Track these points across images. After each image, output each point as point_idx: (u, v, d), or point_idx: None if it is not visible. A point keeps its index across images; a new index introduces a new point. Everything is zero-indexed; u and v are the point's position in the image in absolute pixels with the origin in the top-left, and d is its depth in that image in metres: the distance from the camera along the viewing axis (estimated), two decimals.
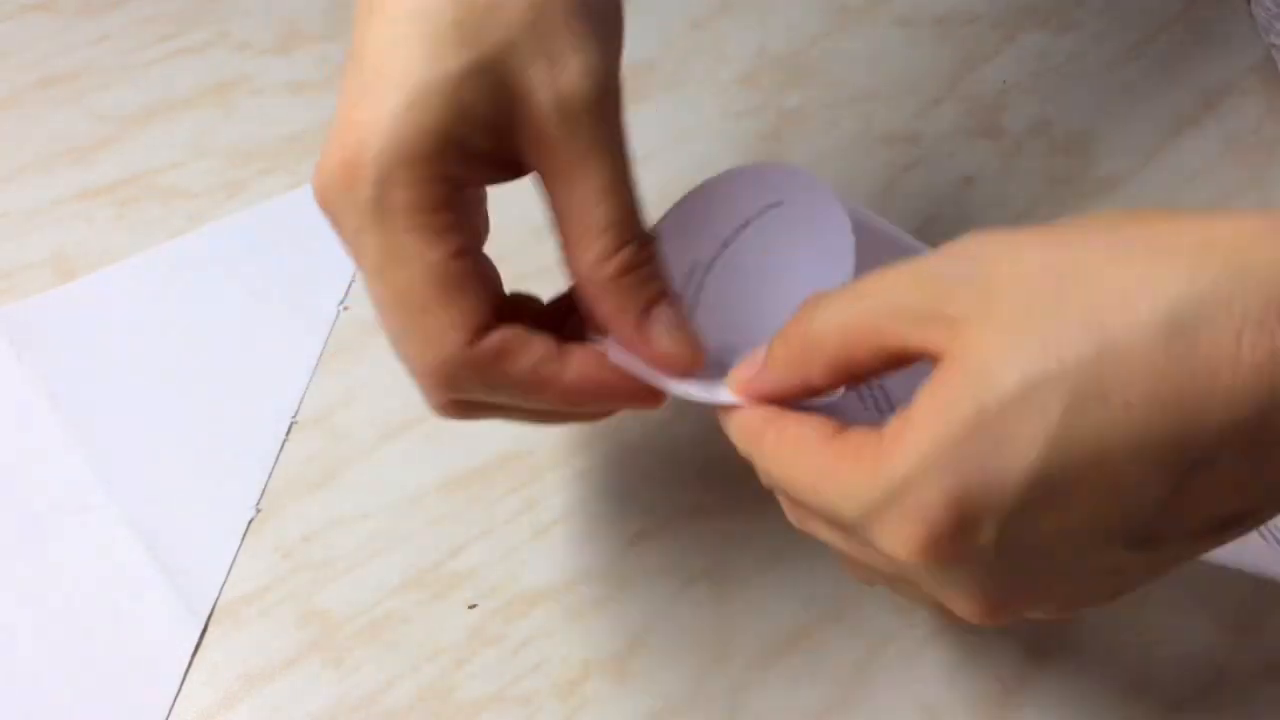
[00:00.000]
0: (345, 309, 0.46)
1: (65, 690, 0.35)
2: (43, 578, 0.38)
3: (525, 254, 0.48)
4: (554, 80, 0.26)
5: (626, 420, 0.42)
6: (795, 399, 0.26)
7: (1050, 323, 0.21)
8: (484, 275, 0.28)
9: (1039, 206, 0.49)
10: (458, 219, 0.27)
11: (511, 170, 0.29)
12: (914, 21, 0.57)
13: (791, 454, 0.25)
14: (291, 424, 0.42)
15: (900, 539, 0.22)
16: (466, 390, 0.28)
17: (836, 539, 0.26)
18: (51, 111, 0.55)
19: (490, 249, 0.49)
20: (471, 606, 0.37)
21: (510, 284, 0.47)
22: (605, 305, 0.28)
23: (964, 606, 0.24)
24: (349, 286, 0.47)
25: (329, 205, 0.27)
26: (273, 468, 0.41)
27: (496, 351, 0.27)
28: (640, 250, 0.28)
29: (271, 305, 0.46)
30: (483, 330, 0.27)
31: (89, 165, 0.52)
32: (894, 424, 0.23)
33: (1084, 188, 0.49)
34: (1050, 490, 0.21)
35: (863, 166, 0.51)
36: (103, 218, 0.50)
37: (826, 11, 0.58)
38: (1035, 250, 0.22)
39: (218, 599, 0.37)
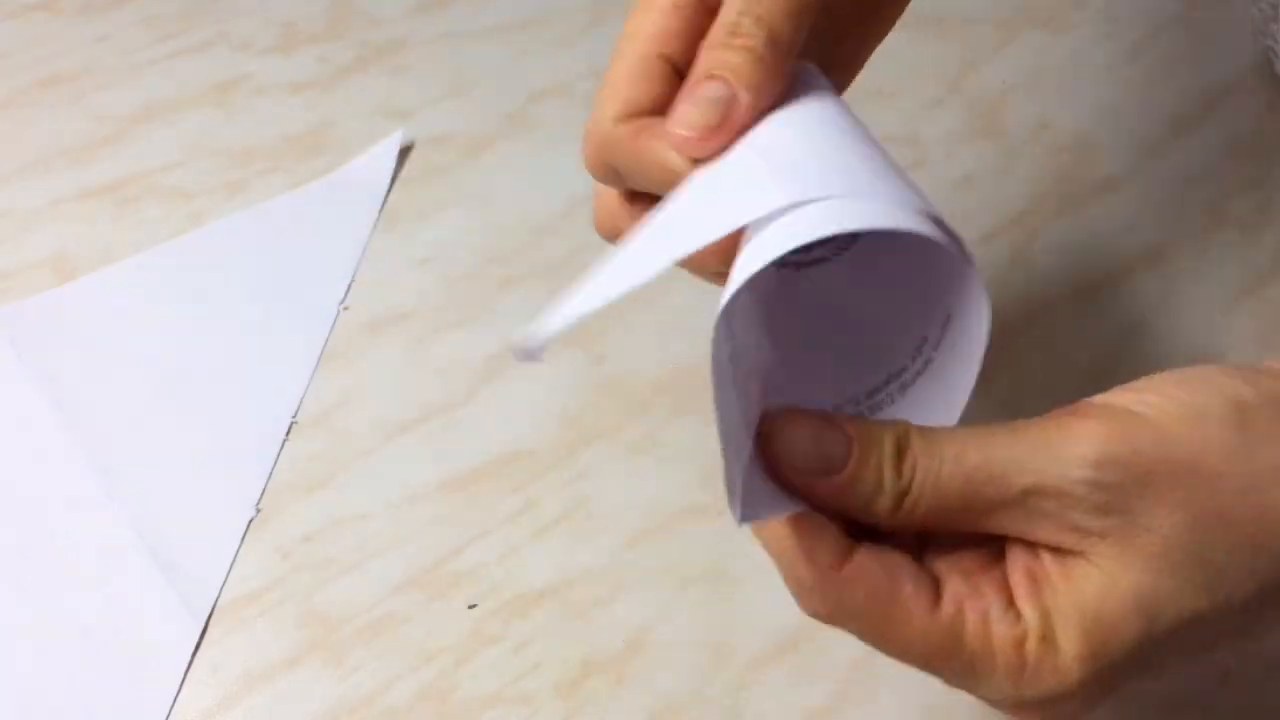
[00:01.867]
0: (345, 309, 0.46)
1: (65, 690, 0.35)
2: (43, 578, 0.38)
3: (526, 254, 0.48)
4: None
5: (626, 420, 0.42)
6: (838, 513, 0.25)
7: (1209, 566, 0.23)
8: (665, 91, 0.27)
9: (1039, 206, 0.49)
10: (689, 30, 0.27)
11: None
12: (914, 21, 0.57)
13: (900, 620, 0.24)
14: (291, 424, 0.42)
15: None
16: (613, 165, 0.27)
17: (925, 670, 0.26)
18: (51, 111, 0.55)
19: (490, 249, 0.49)
20: (471, 606, 0.37)
21: (510, 283, 0.47)
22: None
23: None
24: (349, 286, 0.47)
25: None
26: (273, 468, 0.41)
27: (637, 127, 0.26)
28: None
29: (271, 305, 0.46)
30: (636, 117, 0.27)
31: (89, 165, 0.52)
32: (1035, 629, 0.24)
33: (1084, 188, 0.49)
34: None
35: None
36: (103, 218, 0.50)
37: None
38: (1184, 482, 0.23)
39: (218, 599, 0.37)
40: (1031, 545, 0.25)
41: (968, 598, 0.24)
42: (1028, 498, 0.23)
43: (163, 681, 0.36)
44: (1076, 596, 0.23)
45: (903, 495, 0.24)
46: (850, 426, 0.24)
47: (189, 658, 0.36)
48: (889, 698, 0.35)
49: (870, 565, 0.24)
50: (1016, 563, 0.25)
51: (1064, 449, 0.23)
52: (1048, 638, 0.23)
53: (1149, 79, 0.54)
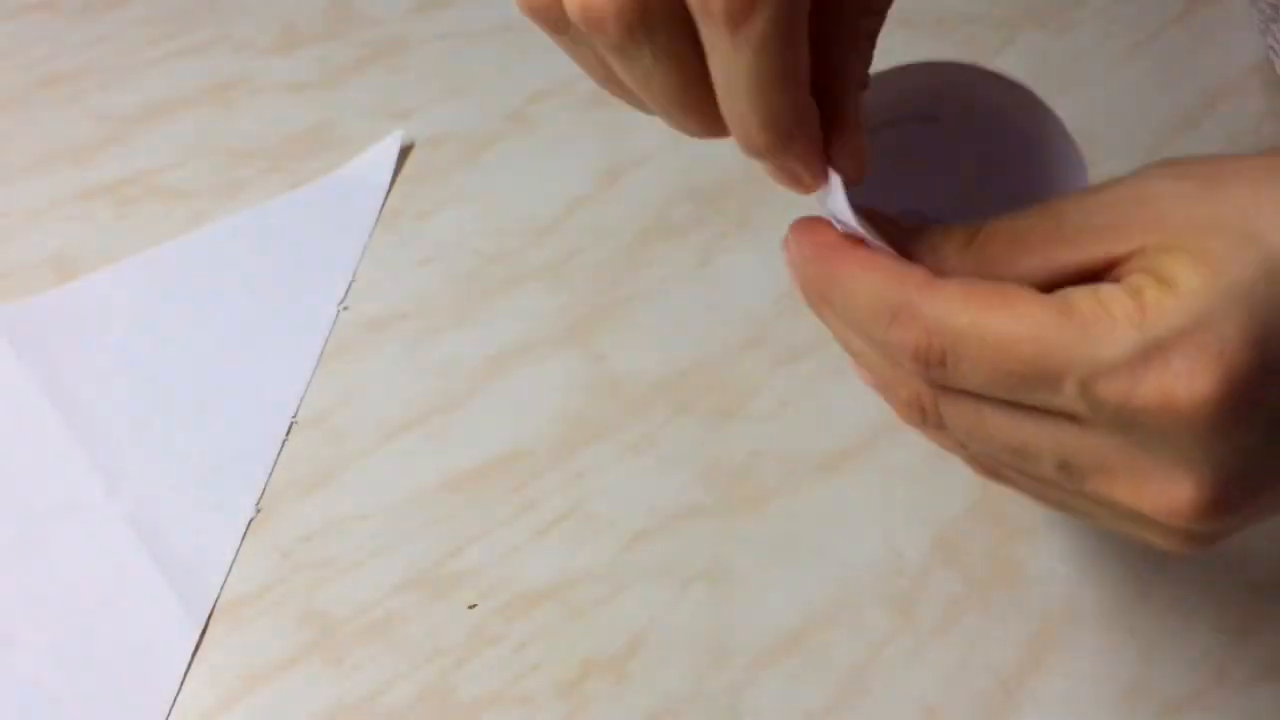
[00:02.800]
0: (345, 309, 0.46)
1: (65, 690, 0.35)
2: (43, 577, 0.38)
3: (525, 254, 0.48)
4: None
5: (627, 420, 0.42)
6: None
7: None
8: None
9: None
10: None
11: None
12: (914, 21, 0.57)
13: (1003, 305, 0.22)
14: (291, 424, 0.42)
15: (1185, 381, 0.20)
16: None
17: (1013, 421, 0.23)
18: (51, 111, 0.55)
19: (490, 249, 0.49)
20: (471, 606, 0.37)
21: (509, 283, 0.47)
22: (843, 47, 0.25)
23: (1184, 494, 0.21)
24: (349, 286, 0.47)
25: None
26: (273, 468, 0.41)
27: None
28: None
29: (271, 305, 0.46)
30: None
31: (89, 165, 0.52)
32: (1147, 276, 0.21)
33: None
34: None
35: None
36: (103, 218, 0.50)
37: None
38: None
39: (218, 599, 0.37)
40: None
41: (1072, 289, 0.22)
42: (1103, 210, 0.23)
43: (163, 681, 0.36)
44: (1178, 240, 0.21)
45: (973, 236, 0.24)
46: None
47: (189, 658, 0.36)
48: (888, 698, 0.35)
49: (960, 278, 0.23)
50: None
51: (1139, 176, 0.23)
52: (1163, 278, 0.21)
53: (1149, 79, 0.54)
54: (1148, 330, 0.20)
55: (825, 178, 0.24)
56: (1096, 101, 0.53)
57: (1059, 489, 0.24)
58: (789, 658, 0.36)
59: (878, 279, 0.23)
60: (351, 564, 0.38)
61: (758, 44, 0.21)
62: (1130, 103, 0.53)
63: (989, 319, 0.21)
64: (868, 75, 0.25)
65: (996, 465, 0.26)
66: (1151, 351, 0.20)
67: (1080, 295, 0.21)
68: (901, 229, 0.25)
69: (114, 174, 0.52)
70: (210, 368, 0.44)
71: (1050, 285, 0.22)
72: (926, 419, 0.25)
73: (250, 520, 0.39)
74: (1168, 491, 0.21)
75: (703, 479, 0.40)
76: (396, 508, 0.40)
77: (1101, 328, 0.20)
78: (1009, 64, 0.55)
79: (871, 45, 0.26)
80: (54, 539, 0.39)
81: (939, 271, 0.23)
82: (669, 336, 0.44)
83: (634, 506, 0.39)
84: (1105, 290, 0.21)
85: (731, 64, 0.21)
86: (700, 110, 0.23)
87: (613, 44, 0.22)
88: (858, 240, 0.24)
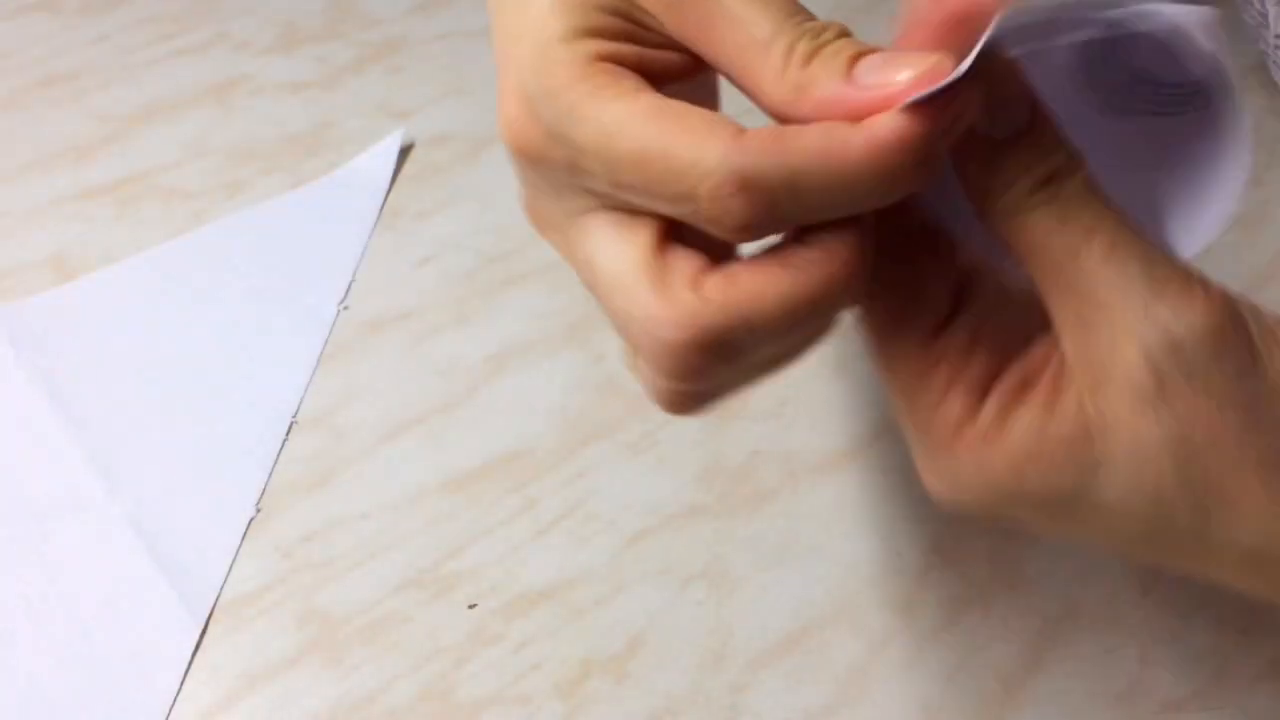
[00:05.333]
0: (345, 309, 0.46)
1: (65, 690, 0.35)
2: (43, 578, 0.38)
3: (525, 254, 0.48)
4: None
5: (626, 420, 0.42)
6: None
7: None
8: (710, 106, 0.25)
9: None
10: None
11: (676, 51, 0.25)
12: None
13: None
14: (291, 424, 0.42)
15: None
16: (768, 193, 0.22)
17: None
18: (51, 111, 0.55)
19: (490, 249, 0.49)
20: (471, 606, 0.37)
21: (510, 283, 0.47)
22: (808, 105, 0.23)
23: None
24: (349, 286, 0.47)
25: (525, 149, 0.26)
26: (273, 468, 0.41)
27: (768, 136, 0.23)
28: (821, 34, 0.24)
29: (271, 305, 0.46)
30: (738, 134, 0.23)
31: (89, 165, 0.52)
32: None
33: None
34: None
35: None
36: (103, 218, 0.50)
37: (827, 11, 0.57)
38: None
39: (218, 599, 0.37)
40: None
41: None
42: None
43: (163, 681, 0.36)
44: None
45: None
46: None
47: (189, 658, 0.36)
48: (888, 698, 0.35)
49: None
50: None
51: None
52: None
53: None
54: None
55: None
56: None
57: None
58: (789, 658, 0.36)
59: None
60: (351, 564, 0.38)
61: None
62: None
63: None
64: None
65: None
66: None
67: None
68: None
69: (114, 174, 0.52)
70: (210, 368, 0.44)
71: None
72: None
73: (250, 520, 0.39)
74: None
75: (703, 479, 0.40)
76: (396, 508, 0.40)
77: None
78: None
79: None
80: (54, 539, 0.39)
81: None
82: None
83: (634, 506, 0.39)
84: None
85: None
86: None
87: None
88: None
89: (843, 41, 0.24)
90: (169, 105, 0.55)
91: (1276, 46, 0.50)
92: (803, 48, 0.23)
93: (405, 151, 0.52)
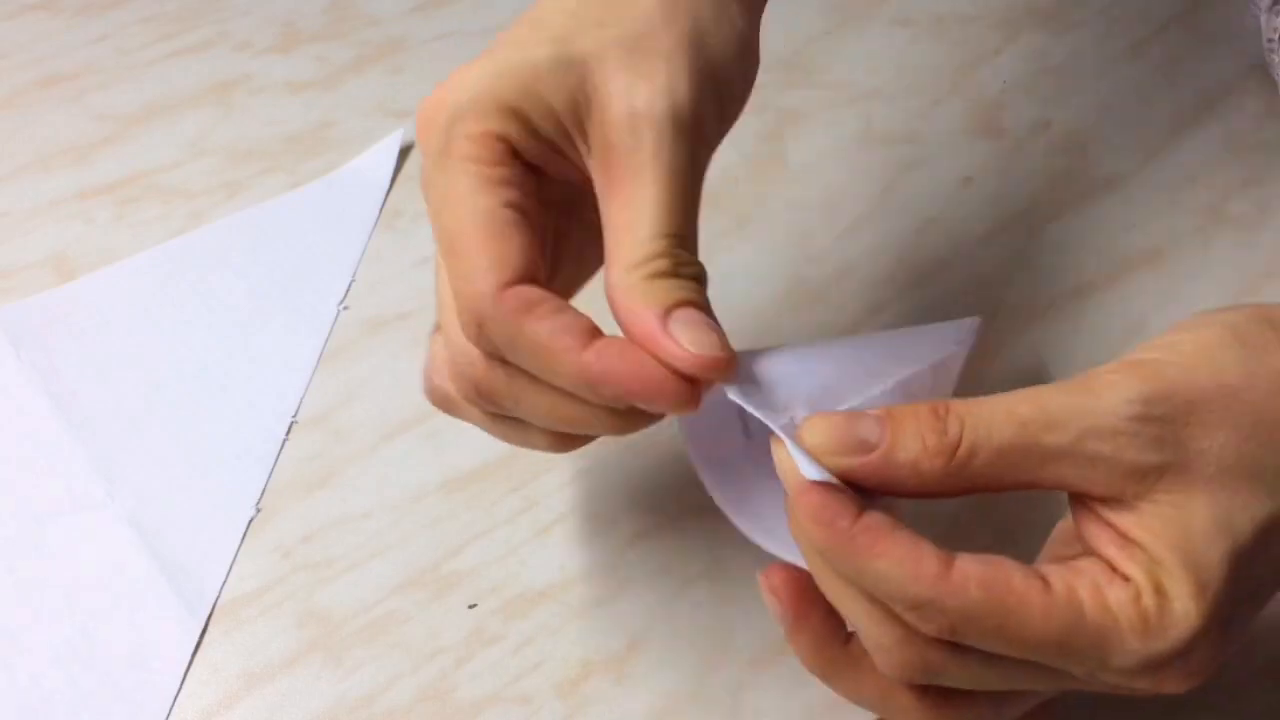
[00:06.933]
0: (345, 309, 0.46)
1: (65, 690, 0.35)
2: (43, 578, 0.38)
3: None
4: (631, 94, 0.28)
5: None
6: (895, 491, 0.25)
7: (1265, 470, 0.24)
8: (528, 241, 0.27)
9: (1039, 206, 0.49)
10: (515, 181, 0.28)
11: (572, 171, 0.29)
12: (914, 21, 0.57)
13: (1021, 607, 0.24)
14: (291, 424, 0.42)
15: (1179, 682, 0.25)
16: (492, 339, 0.27)
17: (1019, 673, 0.25)
18: (51, 111, 0.55)
19: None
20: (471, 606, 0.37)
21: None
22: (629, 305, 0.26)
23: (1181, 686, 0.25)
24: (349, 286, 0.47)
25: (420, 140, 0.29)
26: (273, 468, 0.41)
27: (523, 303, 0.26)
28: (681, 267, 0.27)
29: (271, 305, 0.46)
30: (516, 283, 0.26)
31: (89, 165, 0.52)
32: (1145, 581, 0.24)
33: (1084, 188, 0.49)
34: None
35: (863, 166, 0.51)
36: (103, 218, 0.50)
37: (826, 11, 0.57)
38: (1221, 412, 0.25)
39: (218, 599, 0.37)
40: (1095, 513, 0.25)
41: (1071, 576, 0.24)
42: (1084, 441, 0.24)
43: (163, 681, 0.36)
44: (1166, 539, 0.24)
45: (953, 450, 0.24)
46: (879, 411, 0.25)
47: (189, 658, 0.36)
48: None
49: (972, 563, 0.24)
50: (1096, 536, 0.25)
51: (1108, 396, 0.24)
52: (1159, 588, 0.24)
53: (1149, 79, 0.54)
54: (1150, 647, 0.24)
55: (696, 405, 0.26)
56: (1096, 101, 0.53)
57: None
58: (789, 658, 0.36)
59: (892, 567, 0.24)
60: (351, 564, 0.38)
61: (517, 345, 0.26)
62: (1130, 103, 0.53)
63: (1012, 626, 0.24)
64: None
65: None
66: (1151, 664, 0.24)
67: (1088, 595, 0.24)
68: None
69: (114, 174, 0.52)
70: (210, 368, 0.44)
71: (1021, 489, 0.25)
72: (909, 675, 0.26)
73: (250, 520, 0.39)
74: (1170, 688, 0.25)
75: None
76: (396, 508, 0.40)
77: (1111, 639, 0.24)
78: (1009, 64, 0.55)
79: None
80: (54, 539, 0.39)
81: (925, 483, 0.25)
82: None
83: (634, 506, 0.39)
84: (1110, 592, 0.24)
85: (522, 362, 0.27)
86: (577, 410, 0.28)
87: (492, 406, 0.29)
88: (848, 503, 0.25)
89: (688, 286, 0.27)
90: (169, 105, 0.55)
91: (1270, 50, 0.50)
92: (660, 265, 0.27)
93: (405, 151, 0.52)
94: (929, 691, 0.27)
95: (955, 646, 0.24)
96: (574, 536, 0.39)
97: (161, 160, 0.52)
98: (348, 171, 0.51)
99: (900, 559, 0.24)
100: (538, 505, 0.39)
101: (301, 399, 0.43)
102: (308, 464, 0.41)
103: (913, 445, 0.24)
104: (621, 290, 0.27)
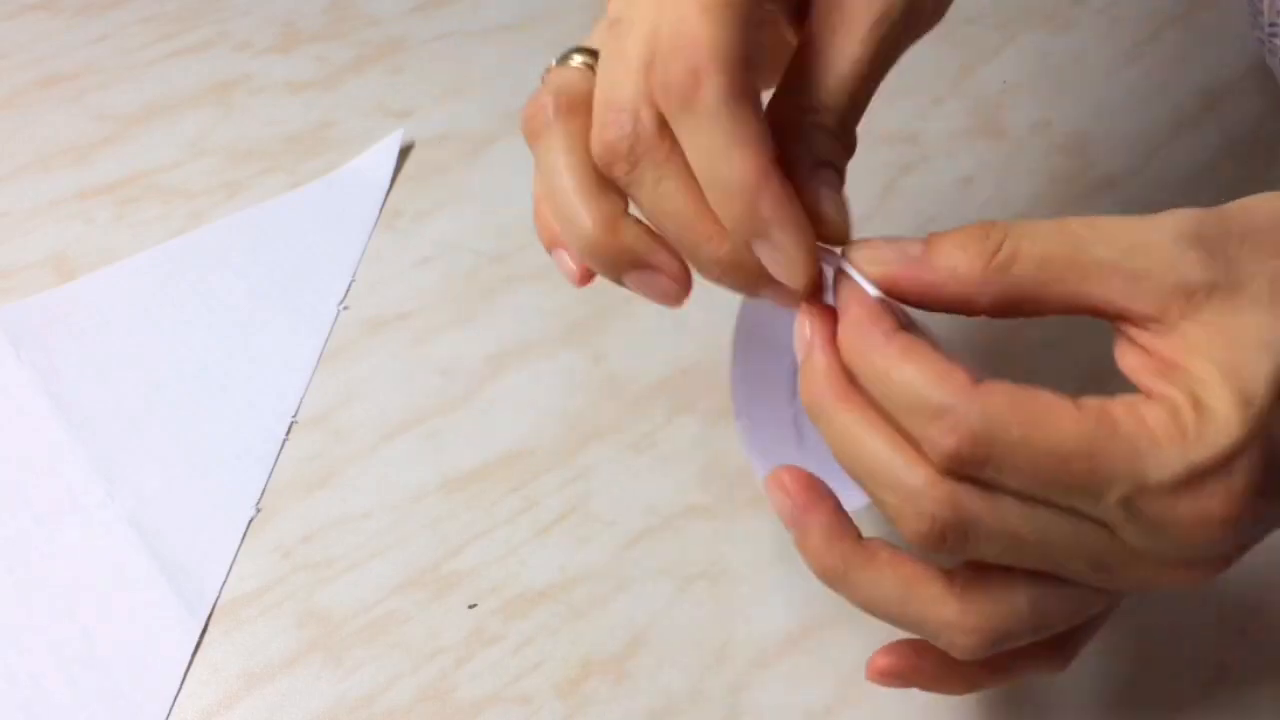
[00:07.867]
0: (345, 309, 0.46)
1: (65, 690, 0.35)
2: (43, 578, 0.38)
3: (525, 254, 0.48)
4: None
5: (626, 420, 0.42)
6: (936, 303, 0.25)
7: None
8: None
9: (1039, 206, 0.49)
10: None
11: None
12: None
13: (1050, 418, 0.23)
14: (291, 424, 0.42)
15: (1219, 503, 0.23)
16: (682, 92, 0.24)
17: (1044, 521, 0.24)
18: (51, 111, 0.55)
19: (490, 249, 0.49)
20: (471, 606, 0.37)
21: (510, 283, 0.47)
22: (795, 138, 0.27)
23: (1199, 575, 0.24)
24: (349, 286, 0.47)
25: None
26: (273, 468, 0.41)
27: (741, 90, 0.25)
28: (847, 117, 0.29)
29: (271, 305, 0.46)
30: (742, 60, 0.25)
31: (89, 165, 0.52)
32: (1182, 397, 0.23)
33: (1084, 188, 0.49)
34: None
35: (863, 166, 0.51)
36: (103, 218, 0.50)
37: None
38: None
39: (218, 599, 0.37)
40: (1137, 343, 0.24)
41: (1104, 399, 0.23)
42: (1133, 255, 0.24)
43: (163, 681, 0.36)
44: (1208, 353, 0.23)
45: (993, 253, 0.24)
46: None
47: (189, 658, 0.36)
48: (889, 698, 0.35)
49: (1000, 382, 0.23)
50: (1138, 369, 0.24)
51: (1162, 219, 0.24)
52: (1198, 402, 0.23)
53: (1149, 79, 0.54)
54: (1189, 456, 0.22)
55: (811, 265, 0.26)
56: (1096, 101, 0.53)
57: (1076, 585, 0.26)
58: (789, 658, 0.36)
59: (920, 373, 0.24)
60: (351, 564, 0.38)
61: (712, 112, 0.24)
62: (1130, 102, 0.53)
63: (1039, 434, 0.23)
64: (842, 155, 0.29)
65: (997, 635, 0.26)
66: (1193, 478, 0.22)
67: (1121, 411, 0.23)
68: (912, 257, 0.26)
69: (114, 174, 0.52)
70: (210, 368, 0.44)
71: (1064, 312, 0.25)
72: (940, 529, 0.25)
73: (250, 520, 0.39)
74: (1186, 575, 0.24)
75: (703, 479, 0.40)
76: (396, 508, 0.40)
77: (1146, 449, 0.22)
78: (1009, 64, 0.55)
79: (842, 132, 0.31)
80: (54, 539, 0.39)
81: (963, 285, 0.24)
82: (669, 336, 0.44)
83: (634, 506, 0.39)
84: (1146, 408, 0.23)
85: (697, 143, 0.25)
86: (704, 223, 0.26)
87: (624, 177, 0.26)
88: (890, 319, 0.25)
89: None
90: (169, 105, 0.55)
91: (1272, 35, 0.50)
92: (837, 113, 0.31)
93: (405, 151, 0.52)
94: (957, 578, 0.26)
95: (985, 489, 0.24)
96: (574, 536, 0.39)
97: (161, 160, 0.52)
98: (348, 171, 0.51)
99: (929, 367, 0.23)
100: (538, 505, 0.40)
101: (301, 399, 0.43)
102: (308, 464, 0.41)
103: (954, 252, 0.24)
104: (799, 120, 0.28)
